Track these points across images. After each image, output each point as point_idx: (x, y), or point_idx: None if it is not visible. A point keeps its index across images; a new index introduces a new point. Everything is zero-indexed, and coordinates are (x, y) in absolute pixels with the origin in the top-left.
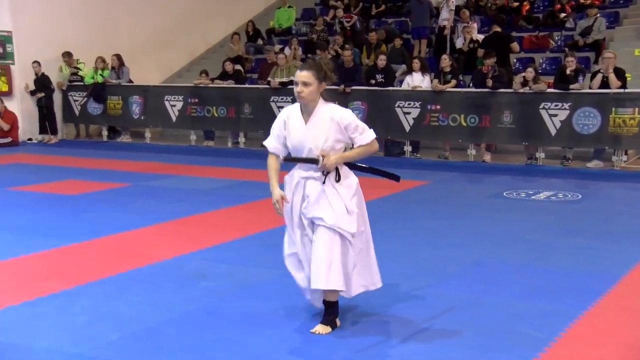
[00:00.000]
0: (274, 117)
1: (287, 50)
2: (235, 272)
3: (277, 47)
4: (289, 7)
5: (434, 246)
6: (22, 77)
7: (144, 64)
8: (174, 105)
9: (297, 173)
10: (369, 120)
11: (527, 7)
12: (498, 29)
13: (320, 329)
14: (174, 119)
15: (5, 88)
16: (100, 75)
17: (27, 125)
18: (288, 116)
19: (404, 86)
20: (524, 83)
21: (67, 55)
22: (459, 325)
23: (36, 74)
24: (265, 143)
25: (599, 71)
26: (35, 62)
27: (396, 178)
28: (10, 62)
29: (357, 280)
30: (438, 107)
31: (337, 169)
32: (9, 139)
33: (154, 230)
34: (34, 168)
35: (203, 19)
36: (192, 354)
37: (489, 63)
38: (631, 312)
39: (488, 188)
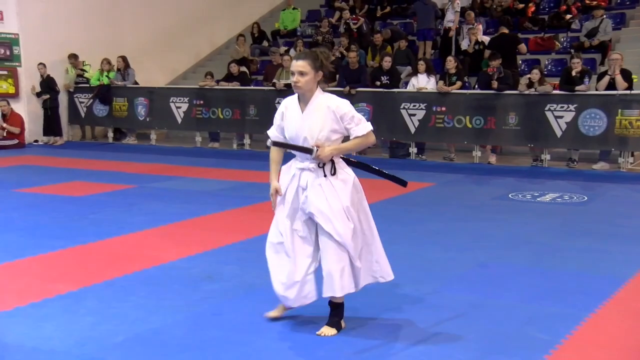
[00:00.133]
0: None
1: (292, 52)
2: (241, 273)
3: (283, 48)
4: (294, 8)
5: (439, 248)
6: (29, 79)
7: (150, 65)
8: (180, 107)
9: (294, 164)
10: (374, 122)
11: (533, 8)
12: (505, 31)
13: (326, 330)
14: (179, 120)
15: (12, 90)
16: (107, 76)
17: (34, 127)
18: (286, 107)
19: (409, 88)
20: (530, 85)
21: (73, 57)
22: (464, 328)
23: (42, 76)
24: (268, 132)
25: (605, 72)
26: (40, 64)
27: (404, 183)
28: (17, 64)
29: (364, 273)
30: (443, 108)
31: (332, 162)
32: (15, 141)
33: (160, 232)
34: (40, 170)
35: (208, 21)
36: (198, 355)
37: (494, 65)
38: (638, 315)
39: (493, 190)
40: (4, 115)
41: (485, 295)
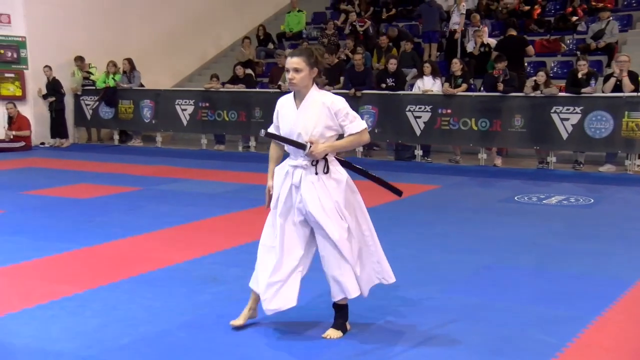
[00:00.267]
0: None
1: None
2: (246, 275)
3: (288, 51)
4: (299, 11)
5: (445, 251)
6: (35, 81)
7: (155, 68)
8: (185, 109)
9: (288, 162)
10: (380, 124)
11: (538, 10)
12: (513, 33)
13: (332, 333)
14: (185, 123)
15: (19, 93)
16: (113, 79)
17: (40, 129)
18: (282, 105)
19: (415, 90)
20: (535, 87)
21: (80, 59)
22: (469, 330)
23: (47, 79)
24: (262, 134)
25: (612, 74)
26: (46, 66)
27: (399, 193)
28: (24, 67)
29: (367, 275)
30: (449, 111)
31: (326, 160)
32: (22, 144)
33: (165, 234)
34: (47, 172)
35: (214, 24)
36: (203, 358)
37: (500, 67)
38: None
39: (499, 192)
40: (10, 118)
41: (491, 297)
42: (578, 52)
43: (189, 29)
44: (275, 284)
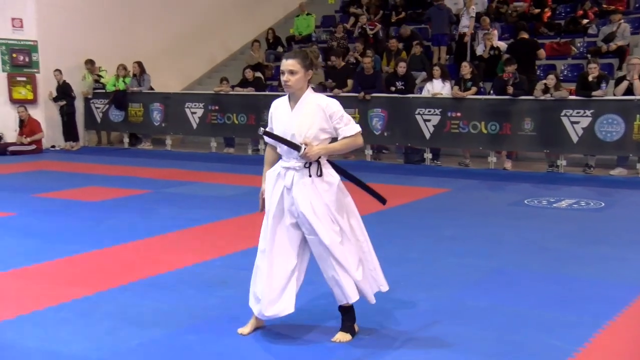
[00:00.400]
0: None
1: None
2: None
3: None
4: (308, 14)
5: (454, 254)
6: (47, 85)
7: (165, 71)
8: (195, 113)
9: (280, 164)
10: (389, 127)
11: (549, 13)
12: (525, 36)
13: (341, 336)
14: (194, 126)
15: (30, 96)
16: (123, 81)
17: (51, 132)
18: (276, 107)
19: (424, 93)
20: (545, 90)
21: (90, 62)
22: (479, 335)
23: (58, 82)
24: (260, 132)
25: (624, 77)
26: (56, 70)
27: (383, 201)
28: (35, 70)
29: (365, 280)
30: (458, 114)
31: (319, 163)
32: (33, 146)
33: (175, 237)
34: (57, 175)
35: (223, 27)
36: None
37: (509, 70)
38: None
39: (509, 196)
40: (22, 121)
41: (501, 301)
42: (589, 55)
43: (198, 32)
44: (272, 291)
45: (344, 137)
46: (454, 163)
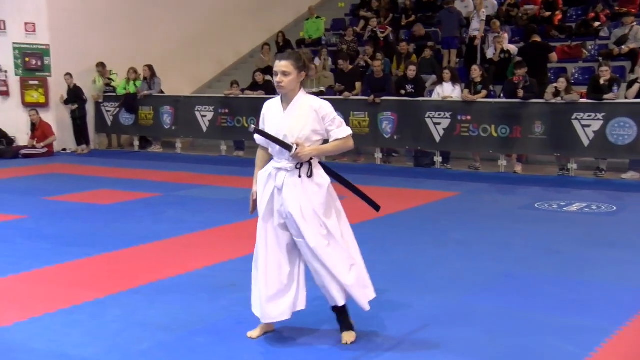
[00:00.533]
0: None
1: (316, 61)
2: None
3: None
4: (318, 17)
5: (464, 257)
6: (58, 89)
7: (175, 74)
8: (205, 116)
9: (272, 164)
10: (399, 130)
11: (559, 16)
12: (537, 39)
13: (347, 337)
14: (204, 129)
15: (42, 100)
16: (134, 85)
17: (62, 135)
18: (268, 108)
19: (434, 96)
20: (556, 93)
21: (101, 65)
22: (489, 338)
23: (68, 86)
24: (250, 129)
25: (636, 80)
26: (67, 74)
27: (377, 208)
28: (47, 74)
29: (357, 287)
30: (468, 117)
31: (310, 164)
32: (44, 150)
33: (185, 240)
34: (68, 178)
35: (233, 30)
36: None
37: (520, 73)
38: None
39: (519, 199)
40: (33, 125)
41: (511, 305)
42: (600, 58)
43: (208, 36)
44: (267, 296)
45: (336, 139)
46: (464, 166)
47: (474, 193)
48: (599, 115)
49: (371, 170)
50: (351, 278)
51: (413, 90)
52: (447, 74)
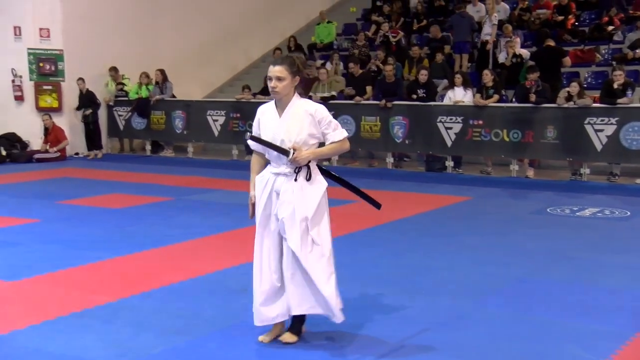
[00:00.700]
0: None
1: (328, 65)
2: None
3: (319, 62)
4: (329, 22)
5: (476, 262)
6: (71, 93)
7: (187, 79)
8: (216, 120)
9: (269, 169)
10: (410, 135)
11: (572, 20)
12: (551, 43)
13: (289, 338)
14: (216, 133)
15: (55, 104)
16: (147, 89)
17: (74, 140)
18: (262, 112)
19: (446, 101)
20: (569, 98)
21: (114, 69)
22: (502, 345)
23: (81, 91)
24: (246, 137)
25: None
26: (80, 79)
27: (378, 205)
28: (60, 79)
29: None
30: (480, 122)
31: (308, 168)
32: (57, 154)
33: (197, 244)
34: (81, 182)
35: (245, 35)
36: None
37: (532, 78)
38: None
39: (531, 204)
40: (46, 129)
41: (524, 310)
42: (614, 62)
43: (220, 40)
44: (261, 299)
45: (332, 142)
46: (476, 171)
47: (486, 198)
48: (613, 120)
49: (382, 175)
50: (330, 288)
51: (425, 95)
52: (458, 78)
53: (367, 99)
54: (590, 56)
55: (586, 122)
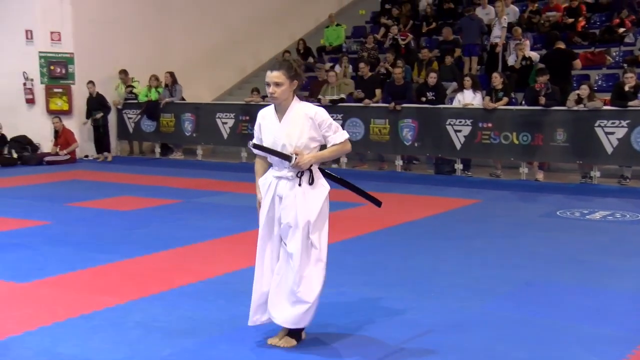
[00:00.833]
0: None
1: (337, 68)
2: None
3: (328, 64)
4: (338, 25)
5: (485, 265)
6: (81, 96)
7: (197, 81)
8: (226, 123)
9: (271, 173)
10: (420, 138)
11: (583, 22)
12: (561, 46)
13: (286, 342)
14: (225, 136)
15: (66, 107)
16: (156, 92)
17: (84, 142)
18: (263, 117)
19: (455, 104)
20: (579, 100)
21: (124, 72)
22: (512, 348)
23: (90, 94)
24: (250, 145)
25: None
26: (90, 82)
27: (378, 203)
28: (71, 82)
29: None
30: (490, 124)
31: (310, 171)
32: (67, 156)
33: (206, 247)
34: (90, 184)
35: (254, 38)
36: None
37: (542, 80)
38: None
39: (541, 207)
40: (56, 132)
41: (533, 314)
42: (625, 65)
43: (229, 43)
44: (261, 299)
45: (334, 145)
46: (485, 174)
47: (495, 201)
48: (624, 123)
49: (391, 178)
50: (313, 296)
51: (434, 98)
52: (467, 81)
53: (377, 102)
54: (601, 58)
55: (596, 124)
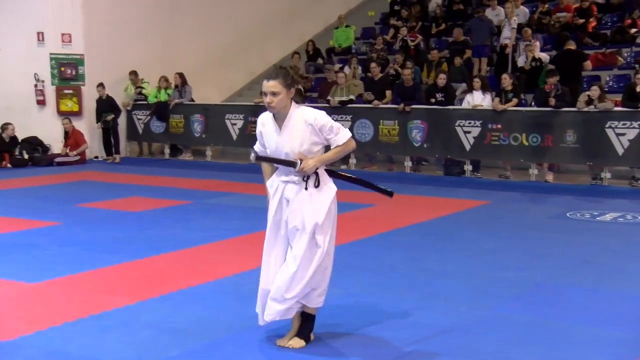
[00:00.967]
0: None
1: (346, 69)
2: None
3: (337, 66)
4: (347, 26)
5: (494, 267)
6: (91, 97)
7: (206, 83)
8: (235, 124)
9: (278, 177)
10: (429, 139)
11: (594, 23)
12: (572, 47)
13: (296, 343)
14: (234, 137)
15: (76, 108)
16: (166, 93)
17: (94, 143)
18: (262, 123)
19: (465, 105)
20: (589, 101)
21: (134, 73)
22: (521, 351)
23: (100, 97)
24: (255, 148)
25: None
26: (99, 84)
27: (389, 194)
28: (81, 83)
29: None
30: (499, 126)
31: (317, 174)
32: (77, 157)
33: (215, 248)
34: (100, 185)
35: (263, 39)
36: None
37: (551, 82)
38: None
39: (551, 208)
40: (66, 133)
41: (543, 316)
42: (636, 65)
43: (239, 44)
44: (265, 298)
45: (337, 146)
46: (495, 175)
47: (505, 202)
48: (635, 124)
49: (401, 179)
50: (292, 294)
51: (443, 99)
52: (477, 82)
53: (386, 103)
54: (612, 59)
55: (607, 126)
